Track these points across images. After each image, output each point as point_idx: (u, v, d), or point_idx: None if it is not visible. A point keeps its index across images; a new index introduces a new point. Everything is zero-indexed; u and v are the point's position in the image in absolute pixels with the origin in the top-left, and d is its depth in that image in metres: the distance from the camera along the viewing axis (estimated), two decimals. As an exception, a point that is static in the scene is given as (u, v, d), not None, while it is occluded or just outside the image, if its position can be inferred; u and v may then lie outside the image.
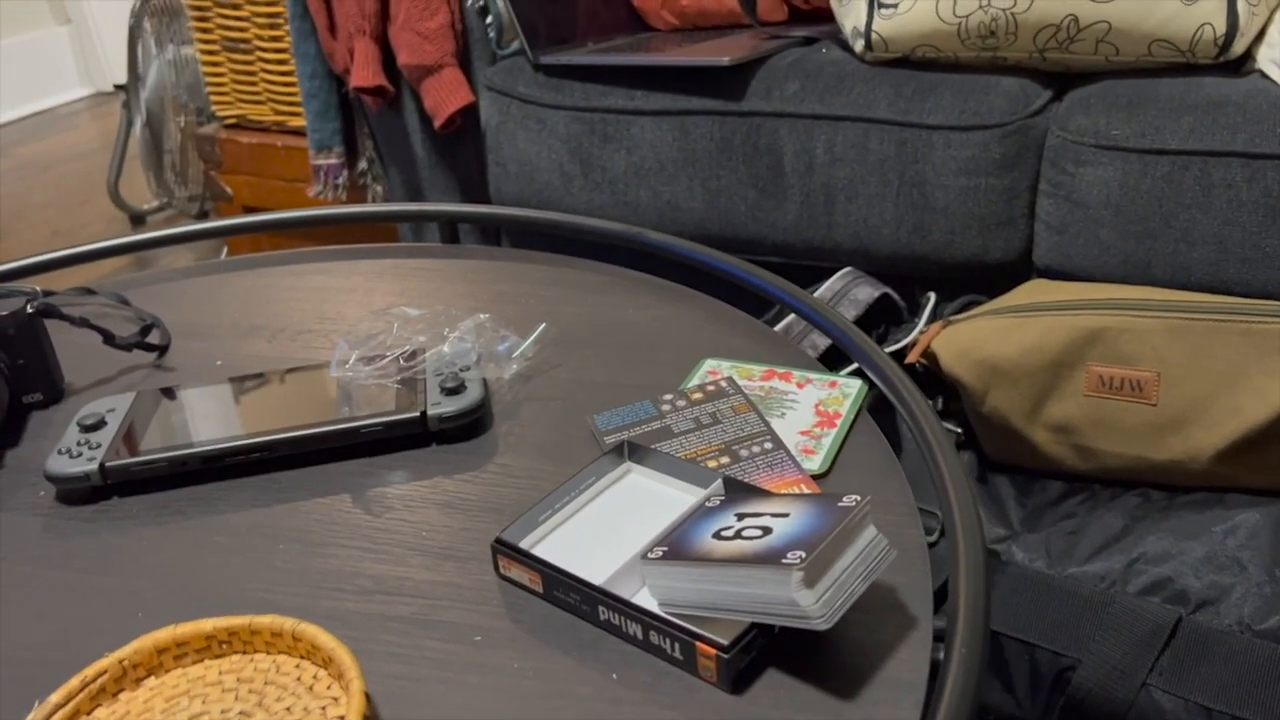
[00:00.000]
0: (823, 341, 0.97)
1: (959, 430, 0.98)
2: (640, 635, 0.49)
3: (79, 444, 0.64)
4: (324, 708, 0.46)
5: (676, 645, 0.48)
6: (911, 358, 0.95)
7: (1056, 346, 0.88)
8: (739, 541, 0.48)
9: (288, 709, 0.47)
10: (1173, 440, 0.85)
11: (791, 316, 0.98)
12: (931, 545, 0.89)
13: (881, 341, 1.06)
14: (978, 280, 1.14)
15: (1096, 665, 0.79)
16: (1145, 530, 0.83)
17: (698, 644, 0.47)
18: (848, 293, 1.13)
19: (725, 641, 0.46)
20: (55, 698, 0.46)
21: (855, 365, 0.72)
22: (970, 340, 0.92)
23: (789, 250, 1.20)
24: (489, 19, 1.32)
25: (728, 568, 0.47)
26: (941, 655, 0.48)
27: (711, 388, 0.68)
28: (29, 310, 0.72)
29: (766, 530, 0.48)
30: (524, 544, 0.54)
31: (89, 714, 0.47)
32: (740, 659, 0.47)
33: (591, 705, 0.47)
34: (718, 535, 0.50)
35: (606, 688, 0.48)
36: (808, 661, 0.48)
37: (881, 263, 1.16)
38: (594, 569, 0.52)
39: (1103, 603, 0.80)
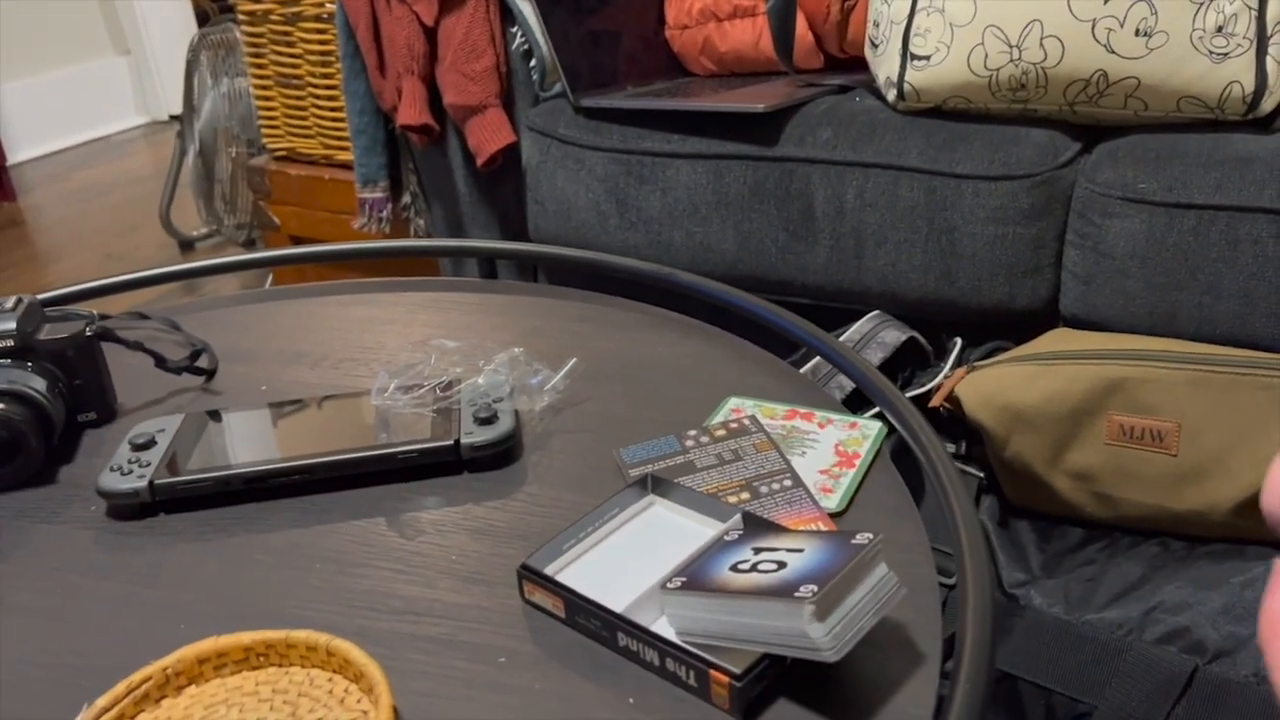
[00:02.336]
0: (849, 385, 0.99)
1: (981, 475, 0.99)
2: (657, 662, 0.51)
3: (130, 462, 0.68)
4: (353, 720, 0.49)
5: (691, 672, 0.50)
6: (935, 402, 0.97)
7: (1079, 395, 0.89)
8: (755, 574, 0.50)
9: (319, 719, 0.49)
10: (1192, 491, 0.86)
11: (818, 359, 1.00)
12: (950, 589, 0.90)
13: (907, 385, 1.08)
14: (1004, 327, 1.15)
15: (1112, 712, 0.80)
16: (1164, 579, 0.84)
17: (711, 672, 0.49)
18: (875, 335, 1.15)
19: (738, 670, 0.48)
20: (102, 701, 0.49)
21: (877, 409, 0.74)
22: (994, 386, 0.93)
23: (818, 292, 1.23)
24: (533, 62, 1.37)
25: (743, 599, 0.49)
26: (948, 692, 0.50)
27: (734, 425, 0.70)
28: (87, 333, 0.75)
29: (781, 564, 0.50)
30: (549, 570, 0.57)
31: (133, 718, 0.50)
32: (752, 688, 0.49)
33: (608, 727, 0.49)
34: (734, 568, 0.52)
35: (623, 711, 0.50)
36: (818, 693, 0.50)
37: (909, 307, 1.18)
38: (615, 596, 0.54)
39: (1119, 650, 0.81)
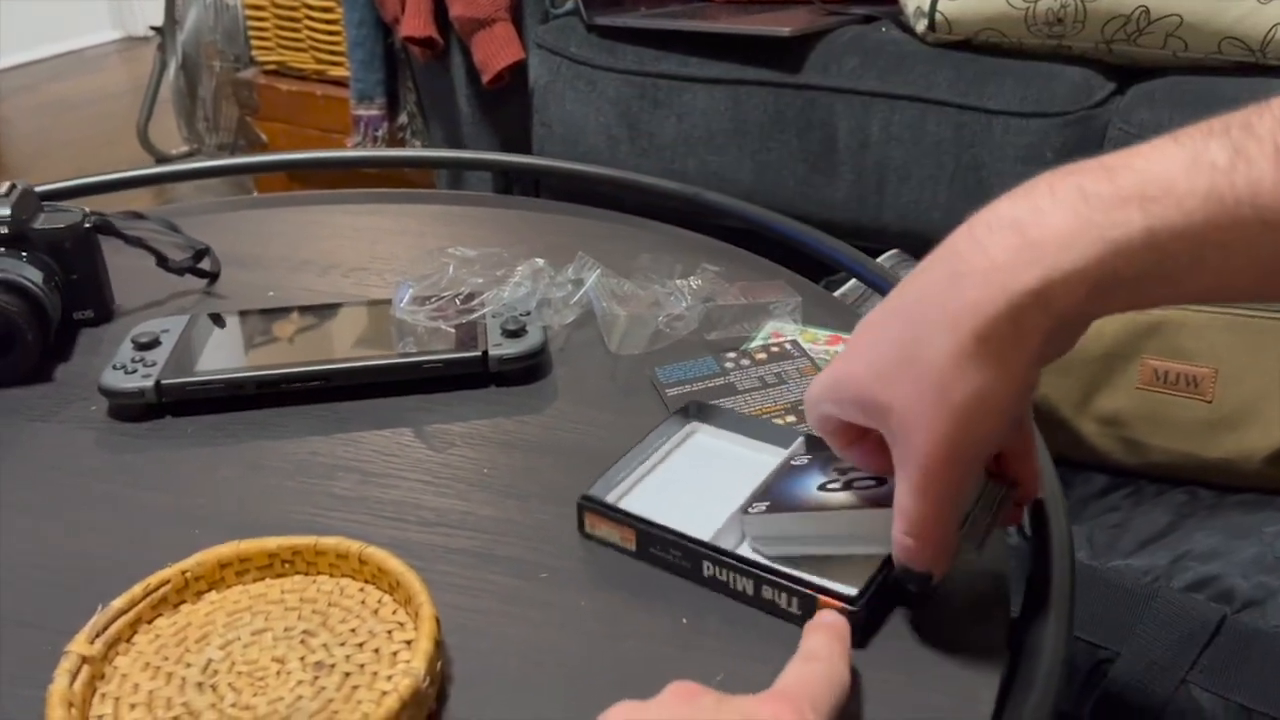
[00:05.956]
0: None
1: (1002, 417, 0.97)
2: (751, 590, 0.47)
3: (134, 361, 0.63)
4: (389, 631, 0.45)
5: (794, 600, 0.46)
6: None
7: (1112, 336, 0.87)
8: (853, 491, 0.47)
9: (352, 630, 0.46)
10: (1226, 439, 0.84)
11: (850, 283, 0.97)
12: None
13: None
14: (1025, 270, 1.13)
15: (1136, 659, 0.78)
16: (1193, 527, 0.82)
17: (821, 598, 0.45)
18: (893, 275, 1.11)
19: (853, 592, 0.45)
20: (118, 603, 0.45)
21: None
22: (1024, 326, 0.91)
23: (836, 228, 1.18)
24: (545, -24, 1.31)
25: (854, 513, 0.45)
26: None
27: (775, 349, 0.67)
28: (86, 225, 0.71)
29: (880, 480, 0.46)
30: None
31: (150, 623, 0.46)
32: (866, 614, 0.45)
33: (660, 648, 0.46)
34: (823, 488, 0.48)
35: (678, 632, 0.47)
36: (894, 622, 0.47)
37: (929, 246, 1.14)
38: (686, 527, 0.50)
39: (1146, 596, 0.79)
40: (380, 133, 1.51)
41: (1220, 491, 0.87)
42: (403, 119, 1.53)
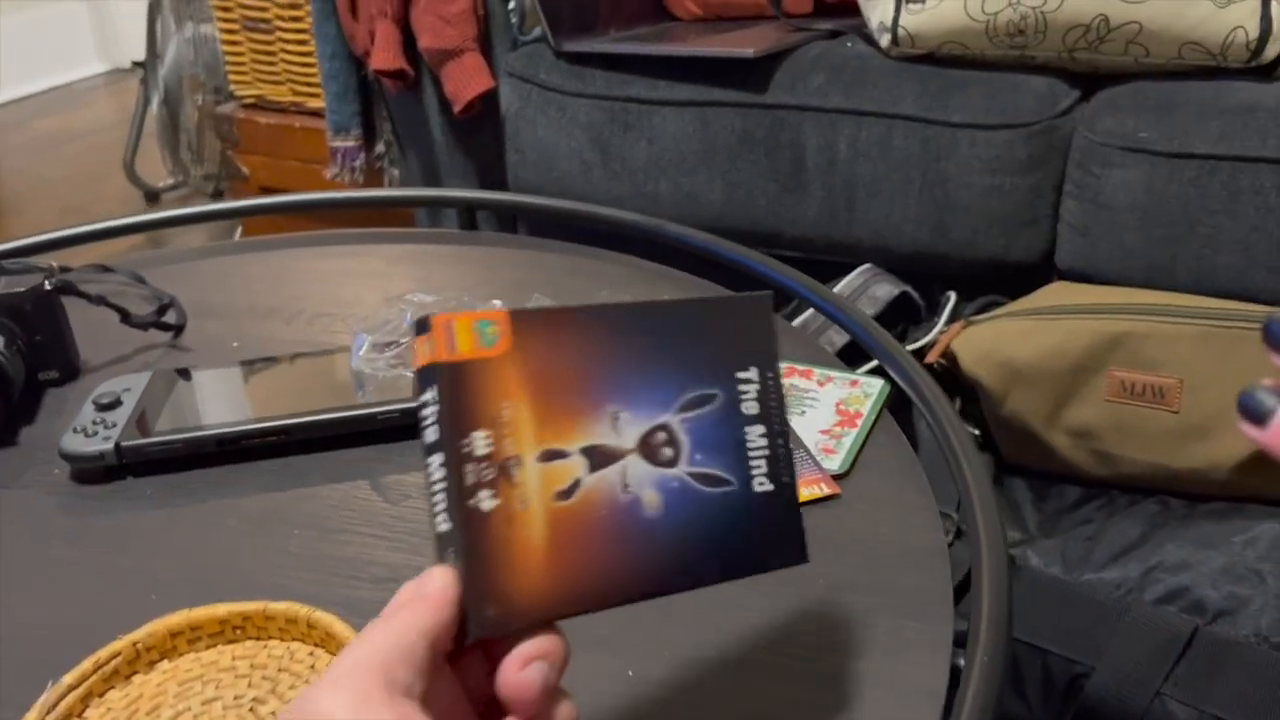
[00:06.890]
0: (839, 339, 0.97)
1: (976, 432, 0.97)
2: None
3: (94, 423, 0.64)
4: (337, 697, 0.46)
5: None
6: (931, 357, 0.95)
7: (1079, 350, 0.87)
8: None
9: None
10: (1194, 448, 0.84)
11: (809, 312, 0.97)
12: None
13: (900, 340, 1.05)
14: (998, 281, 1.13)
15: (1110, 673, 0.79)
16: (1164, 539, 0.82)
17: None
18: (866, 290, 1.12)
19: None
20: (68, 679, 0.46)
21: (875, 363, 0.72)
22: (991, 341, 0.91)
23: (808, 245, 1.19)
24: (511, 4, 1.31)
25: None
26: (963, 661, 0.48)
27: (731, 383, 0.67)
28: (46, 286, 0.71)
29: None
30: None
31: (101, 696, 0.47)
32: None
33: (607, 700, 0.46)
34: None
35: (622, 683, 0.47)
36: (826, 661, 0.47)
37: (901, 260, 1.15)
38: None
39: (1119, 610, 0.79)
40: (358, 163, 1.52)
41: (1191, 500, 0.87)
42: (380, 148, 1.54)
